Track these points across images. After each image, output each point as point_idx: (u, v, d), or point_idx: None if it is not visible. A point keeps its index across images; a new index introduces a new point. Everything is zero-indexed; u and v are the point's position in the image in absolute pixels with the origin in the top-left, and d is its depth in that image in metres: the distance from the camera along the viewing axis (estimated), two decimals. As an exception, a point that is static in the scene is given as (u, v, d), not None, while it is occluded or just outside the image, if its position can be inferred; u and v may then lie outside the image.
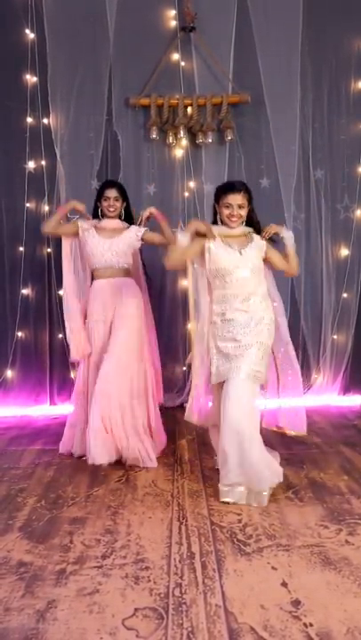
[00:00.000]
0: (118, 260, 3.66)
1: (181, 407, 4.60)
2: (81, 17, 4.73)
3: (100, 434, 3.33)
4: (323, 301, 5.03)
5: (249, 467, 2.85)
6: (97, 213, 3.74)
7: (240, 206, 3.08)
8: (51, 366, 4.94)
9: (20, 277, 4.84)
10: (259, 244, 3.14)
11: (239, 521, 2.70)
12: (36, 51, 4.74)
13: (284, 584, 2.14)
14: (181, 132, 4.80)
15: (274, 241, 3.22)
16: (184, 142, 4.88)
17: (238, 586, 2.14)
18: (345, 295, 5.06)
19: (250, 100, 4.82)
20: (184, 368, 4.87)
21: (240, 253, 3.06)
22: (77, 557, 2.39)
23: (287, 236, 3.19)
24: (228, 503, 2.88)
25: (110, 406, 3.40)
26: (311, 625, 1.87)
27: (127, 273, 3.74)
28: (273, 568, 2.26)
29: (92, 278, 3.78)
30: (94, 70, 4.76)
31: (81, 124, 4.77)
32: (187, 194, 4.91)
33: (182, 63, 4.84)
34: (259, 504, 2.86)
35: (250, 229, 3.17)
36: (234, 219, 3.09)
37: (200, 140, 4.82)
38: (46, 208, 4.83)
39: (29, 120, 4.80)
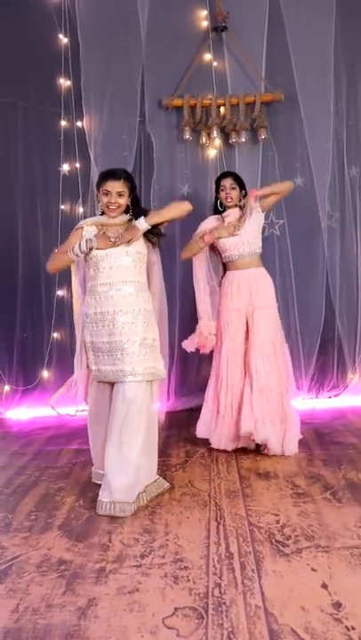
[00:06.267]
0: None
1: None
2: (113, 20, 4.76)
3: None
4: (358, 300, 4.96)
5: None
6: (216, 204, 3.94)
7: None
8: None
9: (56, 279, 4.89)
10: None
11: (277, 522, 2.68)
12: (69, 55, 4.79)
13: (324, 586, 2.12)
14: (215, 132, 4.79)
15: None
16: (217, 142, 4.87)
17: (278, 587, 2.13)
18: (381, 294, 4.99)
19: (283, 99, 4.78)
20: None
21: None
22: (116, 556, 2.42)
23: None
24: None
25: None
26: (353, 628, 1.85)
27: None
28: (313, 569, 2.24)
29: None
30: (127, 72, 4.79)
31: (114, 126, 4.80)
32: (220, 194, 4.90)
33: (215, 63, 4.84)
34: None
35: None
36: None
37: (233, 139, 4.81)
38: (81, 210, 4.88)
39: (63, 123, 4.86)
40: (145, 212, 3.10)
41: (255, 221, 3.81)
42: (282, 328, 3.92)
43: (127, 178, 3.05)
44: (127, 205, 3.07)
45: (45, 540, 2.60)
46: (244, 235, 3.76)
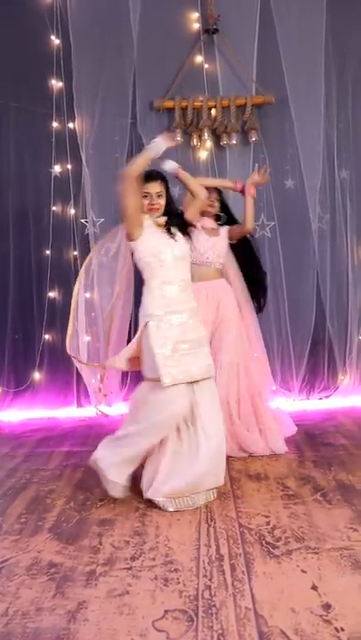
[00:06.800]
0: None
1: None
2: (105, 22, 4.77)
3: None
4: (349, 302, 4.99)
5: None
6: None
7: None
8: (77, 368, 4.97)
9: (47, 280, 4.90)
10: None
11: (267, 523, 2.69)
12: (61, 56, 4.80)
13: (314, 587, 2.13)
14: (206, 134, 4.81)
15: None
16: (208, 144, 4.89)
17: (268, 588, 2.13)
18: (371, 295, 5.02)
19: (274, 101, 4.80)
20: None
21: None
22: (107, 559, 2.41)
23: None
24: None
25: None
26: (343, 629, 1.86)
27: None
28: (302, 571, 2.25)
29: None
30: (119, 74, 4.80)
31: (106, 128, 4.82)
32: (211, 195, 4.91)
33: (206, 65, 4.86)
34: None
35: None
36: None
37: (224, 141, 4.82)
38: (72, 212, 4.88)
39: (55, 125, 4.86)
40: (179, 213, 3.18)
41: (223, 237, 3.88)
42: (254, 336, 3.98)
43: (163, 179, 3.09)
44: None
45: (35, 542, 2.59)
46: (218, 243, 3.83)
